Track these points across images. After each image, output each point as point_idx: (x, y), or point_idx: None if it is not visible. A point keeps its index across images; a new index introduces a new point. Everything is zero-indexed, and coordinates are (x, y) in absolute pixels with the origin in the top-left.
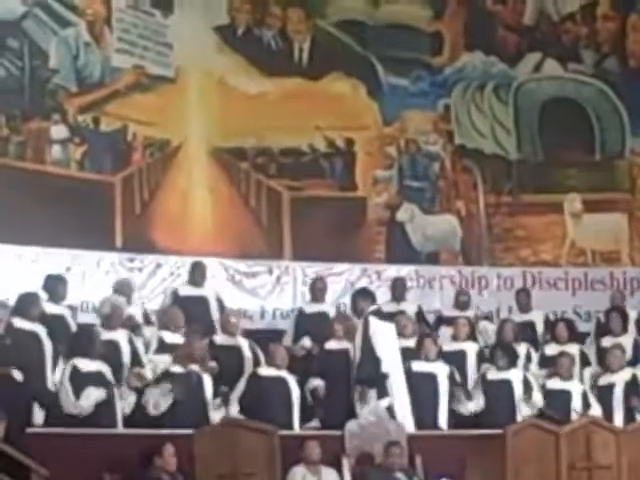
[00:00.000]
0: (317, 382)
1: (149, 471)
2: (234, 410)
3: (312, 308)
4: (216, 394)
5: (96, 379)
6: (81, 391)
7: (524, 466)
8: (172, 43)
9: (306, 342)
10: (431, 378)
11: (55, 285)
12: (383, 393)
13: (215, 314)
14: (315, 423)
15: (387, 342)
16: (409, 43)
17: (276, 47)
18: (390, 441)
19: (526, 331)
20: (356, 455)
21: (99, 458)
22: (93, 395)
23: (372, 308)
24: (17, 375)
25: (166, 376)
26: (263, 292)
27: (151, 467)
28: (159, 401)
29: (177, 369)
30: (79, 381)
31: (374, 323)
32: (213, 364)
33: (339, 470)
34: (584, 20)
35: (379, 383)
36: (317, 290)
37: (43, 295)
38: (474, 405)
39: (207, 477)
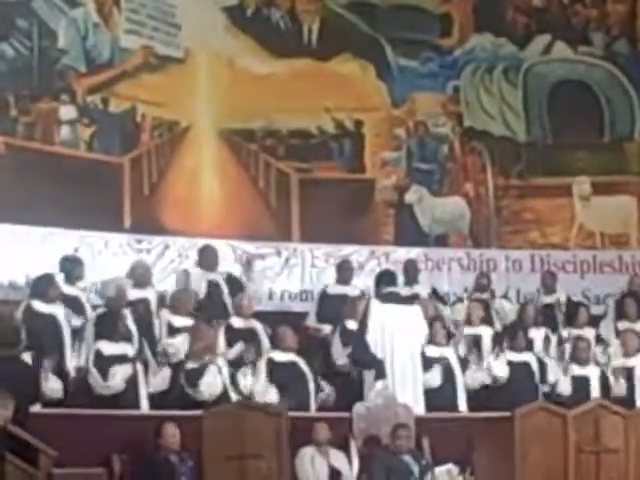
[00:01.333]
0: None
1: (156, 452)
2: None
3: (336, 290)
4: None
5: (120, 361)
6: (107, 371)
7: (532, 448)
8: (181, 24)
9: (326, 328)
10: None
11: (72, 266)
12: (379, 375)
13: (227, 297)
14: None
15: (393, 325)
16: (418, 24)
17: (285, 28)
18: (397, 423)
19: (547, 313)
20: (364, 437)
21: (107, 439)
22: (120, 373)
23: (386, 290)
24: (27, 357)
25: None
26: (271, 274)
27: (158, 447)
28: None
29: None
30: (103, 364)
31: (375, 306)
32: None
33: (347, 452)
34: (594, 2)
35: (371, 366)
36: (345, 271)
37: (59, 276)
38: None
39: (215, 458)
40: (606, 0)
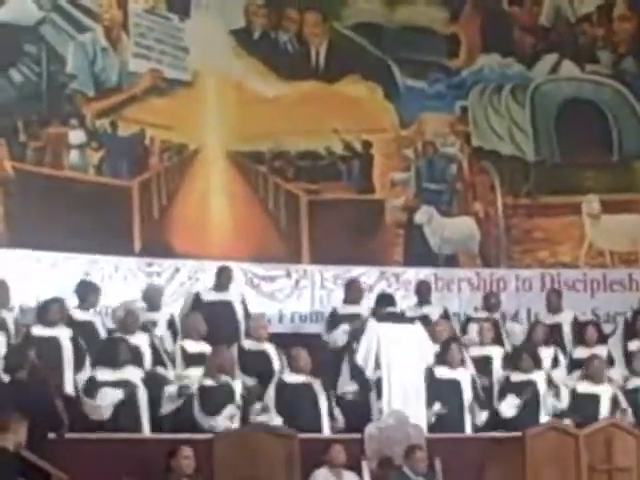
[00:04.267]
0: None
1: (168, 475)
2: (276, 419)
3: (346, 310)
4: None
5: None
6: (96, 394)
7: (544, 469)
8: (189, 47)
9: (345, 327)
10: (455, 384)
11: (85, 291)
12: (378, 395)
13: (241, 319)
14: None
15: (393, 344)
16: (426, 45)
17: (293, 50)
18: (412, 445)
19: (555, 333)
20: (376, 459)
21: (118, 462)
22: (109, 395)
23: (387, 310)
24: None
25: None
26: (281, 296)
27: (170, 471)
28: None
29: (208, 382)
30: (96, 389)
31: (371, 326)
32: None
33: (359, 473)
34: (601, 21)
35: (372, 386)
36: (354, 291)
37: (73, 301)
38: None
39: None
40: (613, 18)
